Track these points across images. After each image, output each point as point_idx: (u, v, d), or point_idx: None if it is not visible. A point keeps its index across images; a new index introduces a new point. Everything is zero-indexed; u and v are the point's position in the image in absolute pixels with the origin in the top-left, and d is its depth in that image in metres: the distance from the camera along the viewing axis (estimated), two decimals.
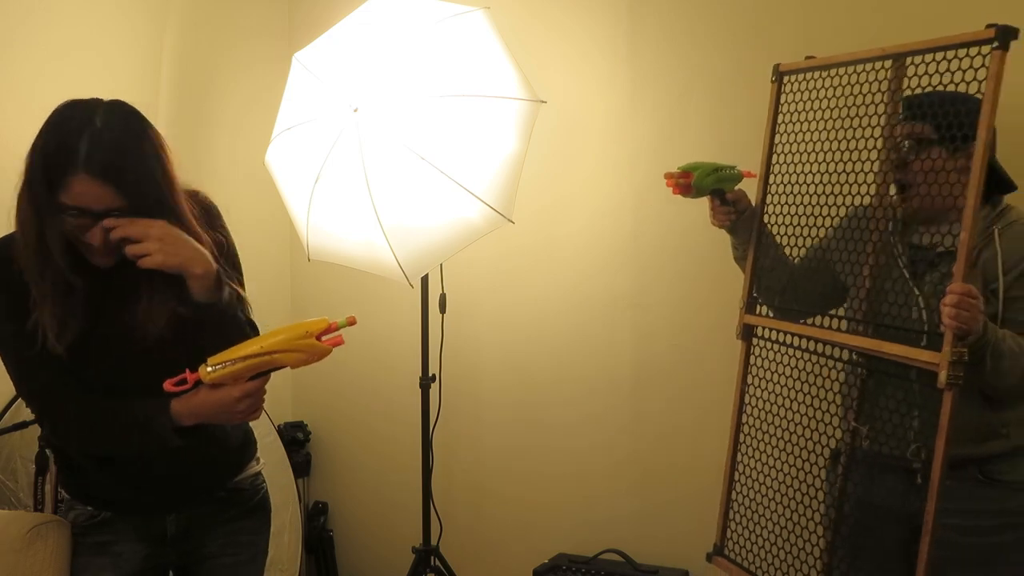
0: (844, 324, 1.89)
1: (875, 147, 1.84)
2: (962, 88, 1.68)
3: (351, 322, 1.64)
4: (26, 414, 2.26)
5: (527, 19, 2.94)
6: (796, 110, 2.01)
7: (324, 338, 1.61)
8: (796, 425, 1.99)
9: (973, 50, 1.63)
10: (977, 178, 1.60)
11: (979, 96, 1.85)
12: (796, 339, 1.99)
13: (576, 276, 2.90)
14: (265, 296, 3.43)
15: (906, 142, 1.81)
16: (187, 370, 1.55)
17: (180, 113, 3.03)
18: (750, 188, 2.12)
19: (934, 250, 1.83)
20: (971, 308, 1.61)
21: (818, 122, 1.93)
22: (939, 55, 1.70)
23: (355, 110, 2.44)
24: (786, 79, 2.05)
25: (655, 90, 2.76)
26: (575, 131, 2.89)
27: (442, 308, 2.90)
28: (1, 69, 2.52)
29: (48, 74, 2.62)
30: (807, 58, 2.01)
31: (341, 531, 3.41)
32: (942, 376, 1.62)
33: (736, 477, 2.13)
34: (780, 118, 2.06)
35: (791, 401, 2.00)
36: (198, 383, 1.55)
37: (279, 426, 3.26)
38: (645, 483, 2.81)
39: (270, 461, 3.11)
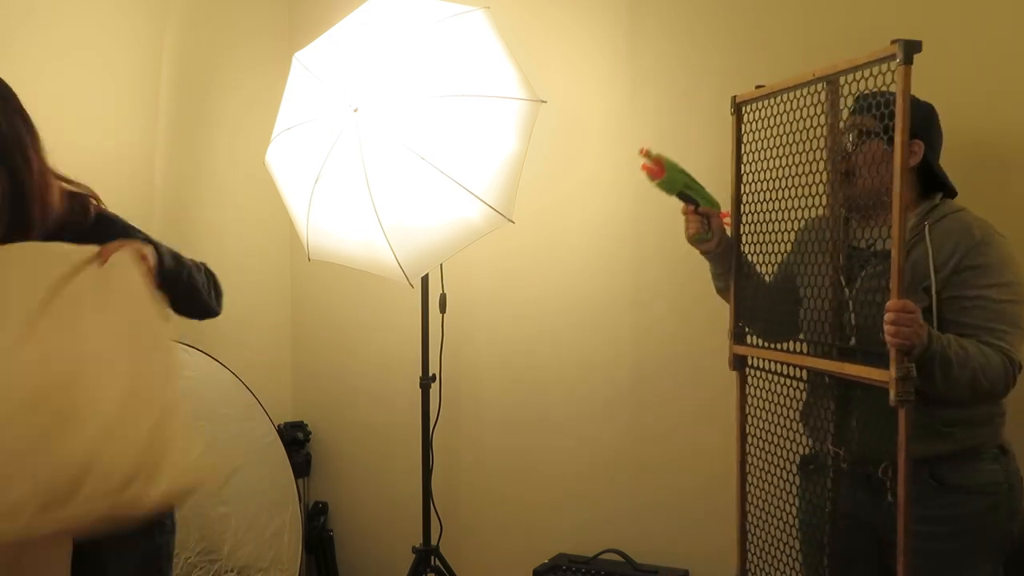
0: (808, 347, 1.92)
1: (823, 161, 1.87)
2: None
3: None
4: None
5: (527, 19, 2.94)
6: (756, 139, 2.04)
7: None
8: (797, 445, 1.99)
9: (884, 66, 1.66)
10: (899, 192, 1.61)
11: (923, 101, 1.90)
12: (782, 366, 2.01)
13: (576, 276, 2.90)
14: (265, 296, 3.44)
15: (851, 134, 1.84)
16: None
17: (180, 113, 3.03)
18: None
19: (870, 250, 1.84)
20: (911, 323, 1.61)
21: (778, 147, 1.96)
22: (860, 73, 1.73)
23: (355, 110, 2.44)
24: (744, 109, 2.09)
25: (655, 90, 2.76)
26: (575, 131, 2.89)
27: (442, 308, 2.90)
28: (1, 69, 2.52)
29: (48, 74, 2.62)
30: (757, 87, 2.03)
31: (341, 531, 3.41)
32: (892, 394, 1.62)
33: (748, 508, 2.12)
34: (744, 147, 2.08)
35: (785, 429, 2.01)
36: None
37: (279, 426, 3.26)
38: (645, 482, 2.81)
39: (270, 461, 3.12)
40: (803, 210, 1.90)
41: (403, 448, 3.13)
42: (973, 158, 2.29)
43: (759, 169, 2.02)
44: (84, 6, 2.73)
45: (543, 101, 2.49)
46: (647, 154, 2.03)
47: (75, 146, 2.73)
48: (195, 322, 3.11)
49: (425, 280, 2.76)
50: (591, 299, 2.88)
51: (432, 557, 2.80)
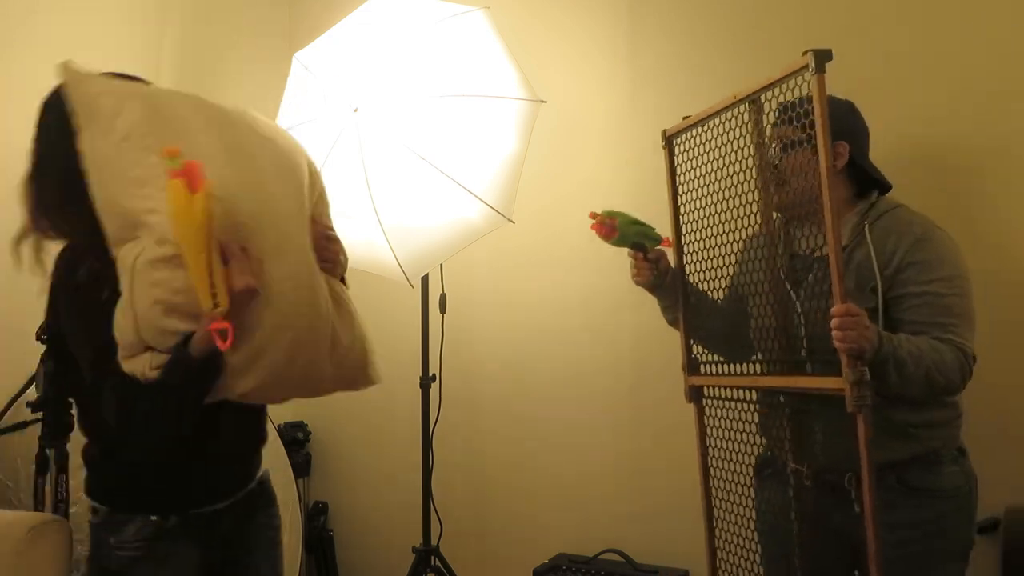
0: (761, 366, 1.90)
1: (754, 180, 1.89)
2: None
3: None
4: (26, 414, 2.25)
5: (527, 19, 2.94)
6: (691, 168, 2.05)
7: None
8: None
9: (800, 78, 1.68)
10: (827, 197, 1.62)
11: (842, 100, 1.91)
12: (736, 391, 1.99)
13: (576, 276, 2.90)
14: None
15: (775, 145, 1.84)
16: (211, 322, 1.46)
17: None
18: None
19: (812, 256, 1.84)
20: (856, 325, 1.61)
21: (713, 172, 1.97)
22: (780, 88, 1.75)
23: (355, 110, 2.44)
24: (675, 142, 2.09)
25: (655, 90, 2.76)
26: (575, 131, 2.89)
27: (442, 308, 2.90)
28: (1, 70, 2.52)
29: (49, 74, 2.62)
30: (684, 118, 2.04)
31: (341, 531, 3.41)
32: (848, 399, 1.60)
33: (717, 534, 2.10)
34: (679, 178, 2.09)
35: (751, 457, 1.99)
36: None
37: (279, 426, 3.26)
38: (645, 483, 2.81)
39: (270, 461, 3.11)
40: (742, 230, 1.91)
41: (403, 448, 3.13)
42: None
43: (698, 197, 2.02)
44: (84, 6, 2.73)
45: (543, 101, 2.49)
46: (594, 216, 2.04)
47: None
48: None
49: (425, 280, 2.76)
50: (591, 298, 2.88)
51: (432, 557, 2.80)
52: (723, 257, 1.98)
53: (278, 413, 3.32)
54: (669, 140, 2.10)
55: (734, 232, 1.93)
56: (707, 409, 2.09)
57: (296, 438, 3.36)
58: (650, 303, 2.79)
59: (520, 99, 2.45)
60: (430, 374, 2.82)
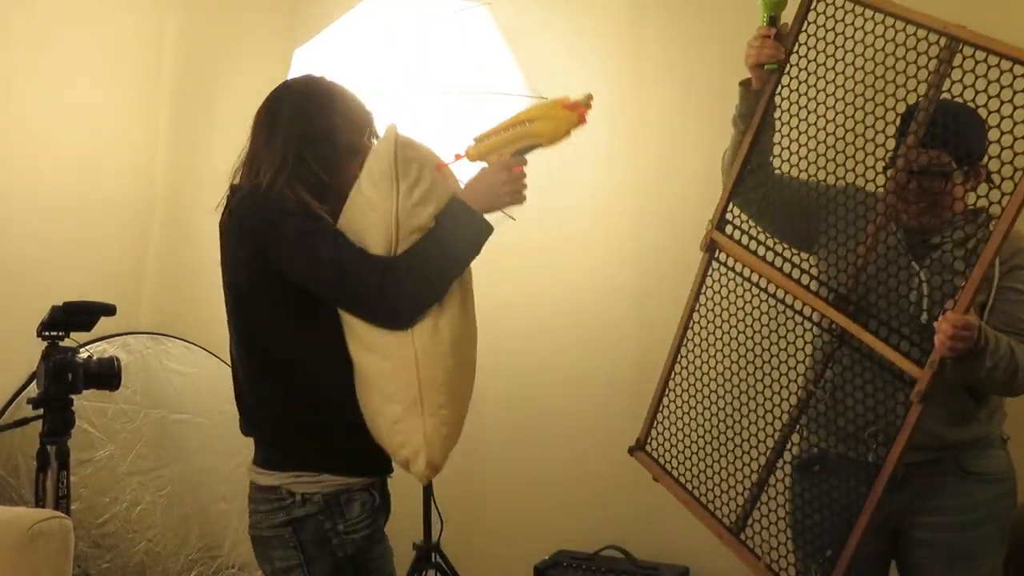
0: (827, 293, 1.84)
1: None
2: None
3: (590, 99, 1.81)
4: (27, 411, 2.26)
5: (528, 16, 2.93)
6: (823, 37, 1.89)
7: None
8: (750, 364, 1.98)
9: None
10: (1010, 219, 1.56)
11: (960, 103, 1.78)
12: (758, 279, 1.94)
13: (577, 274, 2.90)
14: None
15: (919, 167, 1.76)
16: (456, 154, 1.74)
17: (181, 111, 3.03)
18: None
19: (928, 238, 1.83)
20: (968, 340, 1.59)
21: (843, 64, 1.85)
22: (993, 59, 1.59)
23: None
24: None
25: (657, 89, 2.76)
26: (575, 131, 2.88)
27: None
28: (1, 69, 2.52)
29: (49, 72, 2.62)
30: None
31: None
32: (917, 390, 1.61)
33: (672, 387, 2.17)
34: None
35: (734, 340, 1.98)
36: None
37: None
38: (645, 480, 2.79)
39: None
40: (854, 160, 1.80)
41: None
42: None
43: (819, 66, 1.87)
44: (85, 6, 2.73)
45: (544, 98, 2.48)
46: None
47: (77, 144, 2.74)
48: (194, 319, 3.10)
49: None
50: (593, 294, 2.88)
51: (433, 554, 2.80)
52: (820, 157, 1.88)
53: None
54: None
55: (847, 150, 1.82)
56: (713, 273, 2.05)
57: None
58: (653, 300, 2.79)
59: (522, 96, 2.45)
60: None
